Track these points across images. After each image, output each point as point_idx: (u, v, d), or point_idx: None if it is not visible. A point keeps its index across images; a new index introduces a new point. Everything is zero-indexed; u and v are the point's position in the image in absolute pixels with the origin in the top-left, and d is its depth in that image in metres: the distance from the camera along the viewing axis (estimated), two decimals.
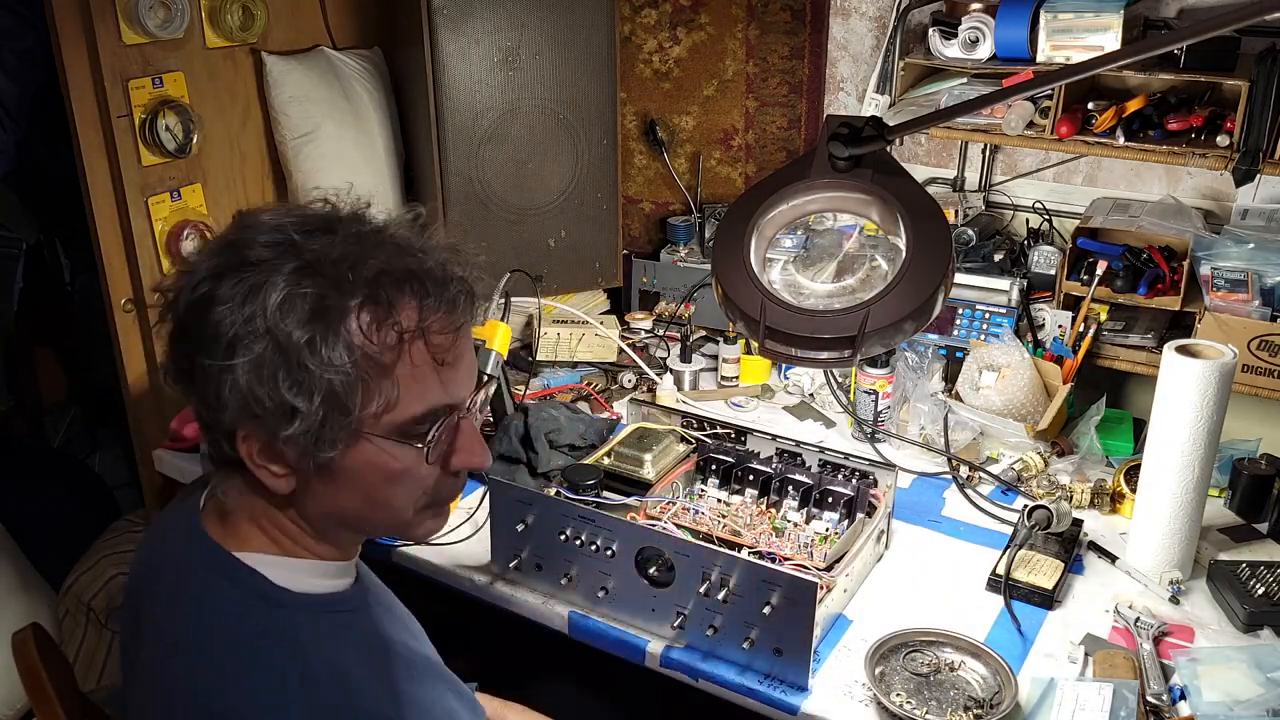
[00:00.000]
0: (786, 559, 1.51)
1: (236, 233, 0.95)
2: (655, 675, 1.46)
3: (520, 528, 1.53)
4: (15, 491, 2.28)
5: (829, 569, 1.49)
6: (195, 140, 1.95)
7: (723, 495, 1.70)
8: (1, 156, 2.07)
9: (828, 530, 1.60)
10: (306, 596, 1.00)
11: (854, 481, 1.64)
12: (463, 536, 1.69)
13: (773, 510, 1.66)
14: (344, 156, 2.15)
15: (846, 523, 1.61)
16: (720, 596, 1.37)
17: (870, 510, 1.62)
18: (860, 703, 1.36)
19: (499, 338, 1.82)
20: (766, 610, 1.34)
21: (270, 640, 0.96)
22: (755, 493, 1.69)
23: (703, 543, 1.43)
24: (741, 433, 1.77)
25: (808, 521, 1.63)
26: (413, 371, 0.94)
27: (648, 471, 1.70)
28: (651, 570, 1.44)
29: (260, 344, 0.89)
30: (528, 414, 1.84)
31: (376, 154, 2.22)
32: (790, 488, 1.66)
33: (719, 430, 1.79)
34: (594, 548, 1.47)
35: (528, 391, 2.11)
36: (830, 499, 1.63)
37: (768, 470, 1.69)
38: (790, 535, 1.58)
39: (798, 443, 1.73)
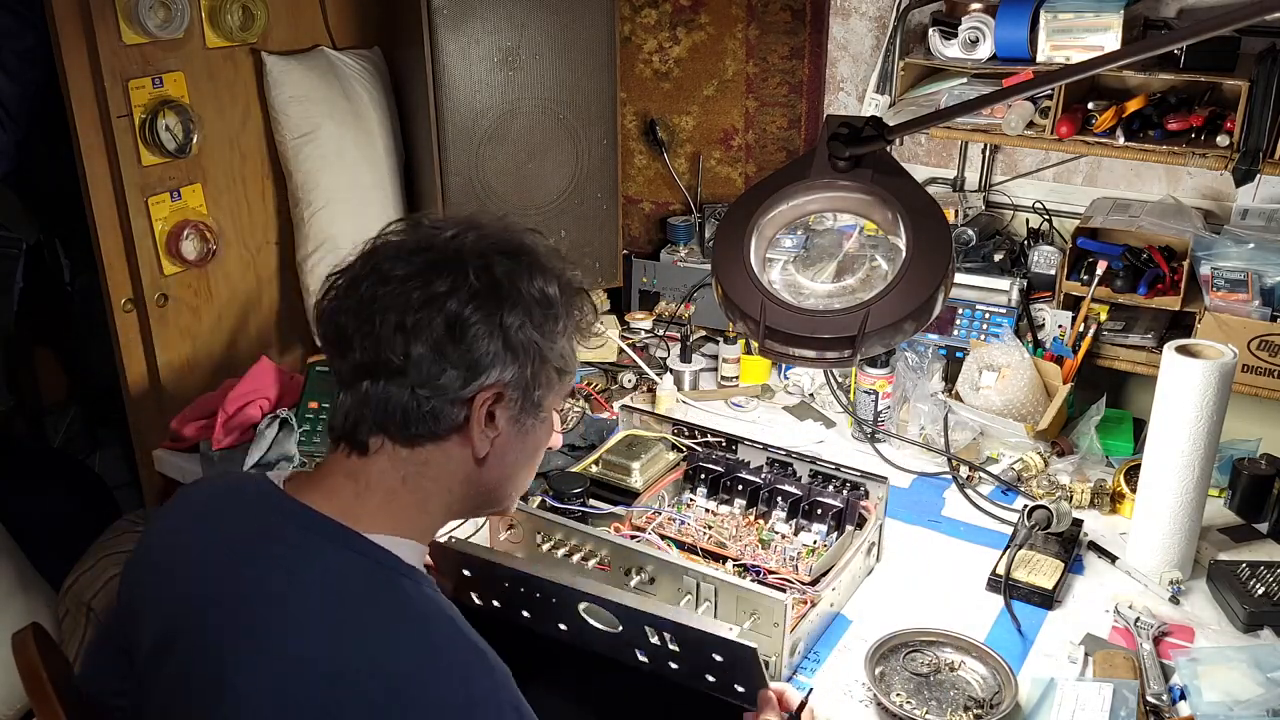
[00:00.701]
0: (771, 572, 1.50)
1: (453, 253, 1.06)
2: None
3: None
4: (15, 491, 2.28)
5: (814, 583, 1.47)
6: (195, 140, 1.95)
7: (711, 505, 1.68)
8: (1, 156, 2.06)
9: (815, 543, 1.58)
10: (424, 575, 1.05)
11: (844, 493, 1.62)
12: (463, 537, 1.69)
13: (761, 521, 1.64)
14: (344, 156, 2.15)
15: (835, 535, 1.58)
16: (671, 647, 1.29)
17: (860, 523, 1.60)
18: (860, 703, 1.36)
19: None
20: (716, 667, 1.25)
21: (431, 612, 0.99)
22: (744, 503, 1.67)
23: (684, 557, 1.43)
24: (733, 441, 1.76)
25: (796, 533, 1.61)
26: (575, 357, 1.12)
27: (635, 480, 1.68)
28: (634, 581, 1.42)
29: (541, 315, 1.05)
30: None
31: (376, 154, 2.22)
32: (779, 498, 1.63)
33: (710, 439, 1.77)
34: (579, 558, 1.45)
35: None
36: (820, 510, 1.61)
37: (757, 480, 1.67)
38: (777, 547, 1.57)
39: (789, 452, 1.71)
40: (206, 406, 1.92)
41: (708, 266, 2.35)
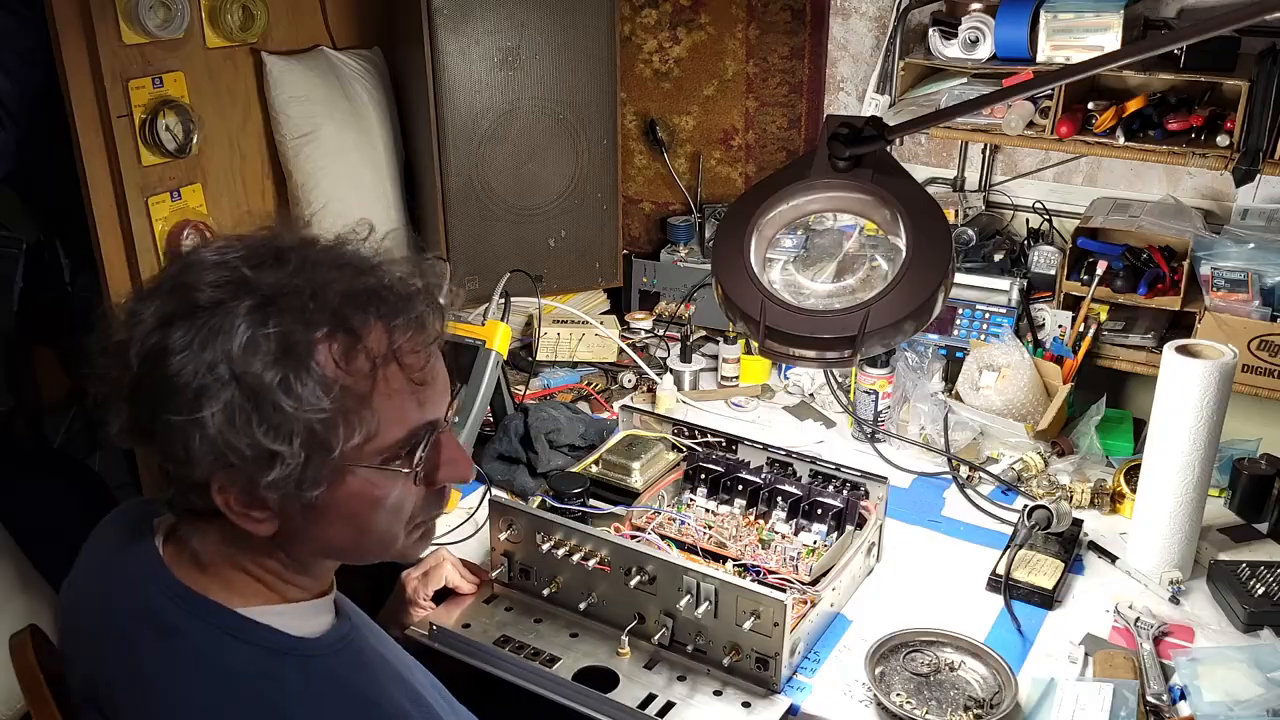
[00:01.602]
0: (771, 572, 1.50)
1: (179, 274, 0.90)
2: None
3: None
4: (15, 491, 2.28)
5: (814, 582, 1.48)
6: (195, 140, 1.95)
7: (711, 505, 1.69)
8: (2, 156, 2.06)
9: (815, 543, 1.58)
10: (313, 640, 0.97)
11: (844, 493, 1.62)
12: (463, 536, 1.69)
13: (761, 521, 1.64)
14: (344, 156, 2.15)
15: (835, 535, 1.58)
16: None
17: (860, 523, 1.60)
18: (860, 703, 1.35)
19: (499, 338, 1.82)
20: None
21: (328, 689, 0.93)
22: (744, 503, 1.67)
23: (684, 557, 1.44)
24: (733, 441, 1.75)
25: (796, 533, 1.61)
26: (390, 397, 0.90)
27: (635, 480, 1.69)
28: (634, 581, 1.42)
29: (228, 391, 0.84)
30: (527, 414, 1.84)
31: (376, 154, 2.22)
32: (779, 498, 1.63)
33: (710, 439, 1.77)
34: (577, 557, 1.45)
35: (527, 391, 2.11)
36: (820, 510, 1.61)
37: (757, 480, 1.67)
38: (777, 547, 1.57)
39: (789, 452, 1.71)
40: None
41: (708, 266, 2.35)
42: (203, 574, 0.95)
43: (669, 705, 1.33)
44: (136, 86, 1.85)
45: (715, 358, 2.22)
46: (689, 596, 1.37)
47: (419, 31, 2.04)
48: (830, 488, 1.64)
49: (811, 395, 2.14)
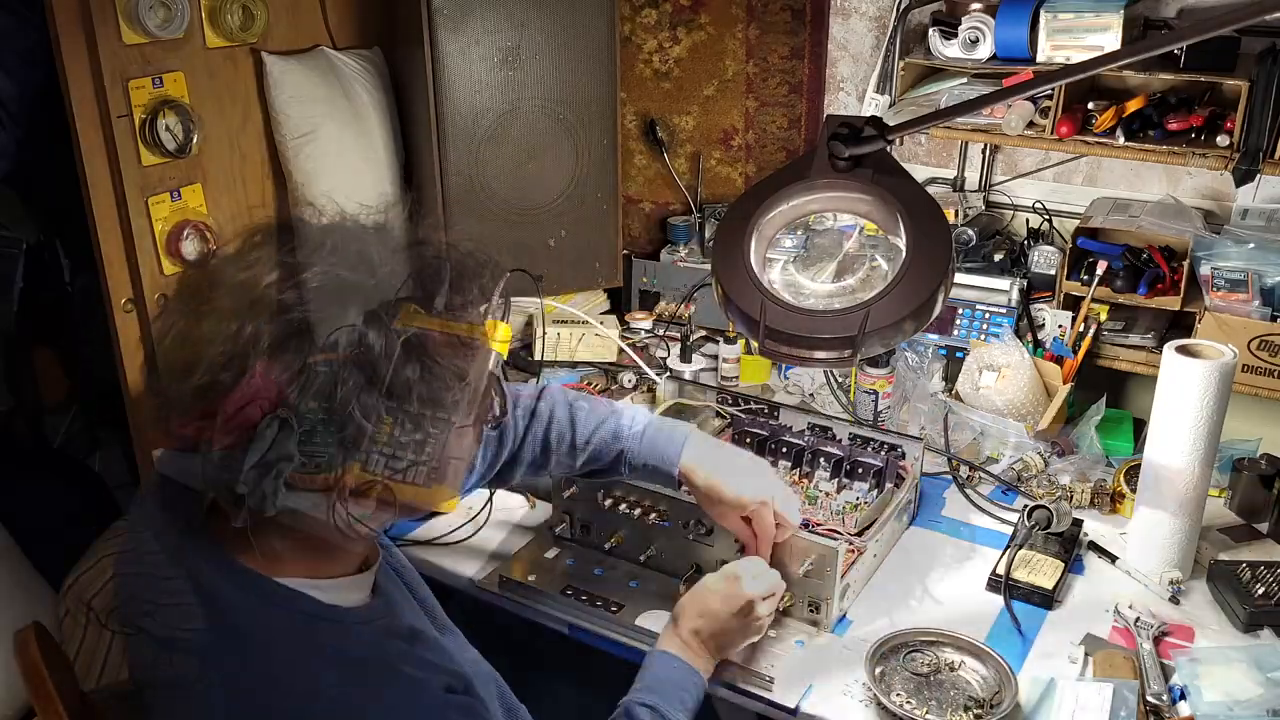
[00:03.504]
0: (819, 524, 1.61)
1: (281, 291, 0.91)
2: None
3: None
4: (15, 491, 2.28)
5: (860, 534, 1.59)
6: (195, 140, 1.95)
7: None
8: (2, 157, 2.06)
9: (858, 499, 1.70)
10: (352, 610, 1.02)
11: (883, 453, 1.72)
12: (464, 537, 1.69)
13: (805, 480, 1.75)
14: (344, 156, 2.15)
15: (876, 492, 1.69)
16: None
17: (899, 481, 1.70)
18: (860, 703, 1.36)
19: (499, 338, 1.82)
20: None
21: (353, 650, 0.97)
22: (789, 464, 1.78)
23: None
24: (774, 407, 1.87)
25: (839, 491, 1.72)
26: (478, 361, 0.98)
27: None
28: (691, 534, 1.52)
29: (369, 396, 0.89)
30: None
31: (376, 154, 2.22)
32: (821, 459, 1.75)
33: (752, 405, 1.88)
34: (638, 512, 1.56)
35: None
36: (860, 470, 1.72)
37: (800, 443, 1.77)
38: (822, 504, 1.68)
39: (828, 416, 1.83)
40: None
41: (708, 266, 2.35)
42: (249, 546, 0.97)
43: None
44: (136, 86, 1.85)
45: (715, 358, 2.22)
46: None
47: (419, 31, 2.04)
48: (869, 449, 1.75)
49: (811, 395, 2.14)
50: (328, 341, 0.89)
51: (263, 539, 0.97)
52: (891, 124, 1.22)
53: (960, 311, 2.08)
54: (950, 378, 2.02)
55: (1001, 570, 1.55)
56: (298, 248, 0.94)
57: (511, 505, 1.79)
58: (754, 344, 1.24)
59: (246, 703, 0.93)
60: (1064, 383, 1.91)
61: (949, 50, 1.97)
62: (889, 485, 1.69)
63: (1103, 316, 1.94)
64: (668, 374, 2.13)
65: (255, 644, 0.94)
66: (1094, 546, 1.65)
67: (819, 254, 1.32)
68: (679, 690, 1.28)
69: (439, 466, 0.97)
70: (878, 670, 1.37)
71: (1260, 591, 1.48)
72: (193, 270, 0.96)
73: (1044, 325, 2.01)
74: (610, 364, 2.25)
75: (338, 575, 1.03)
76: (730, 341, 2.16)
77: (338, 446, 0.90)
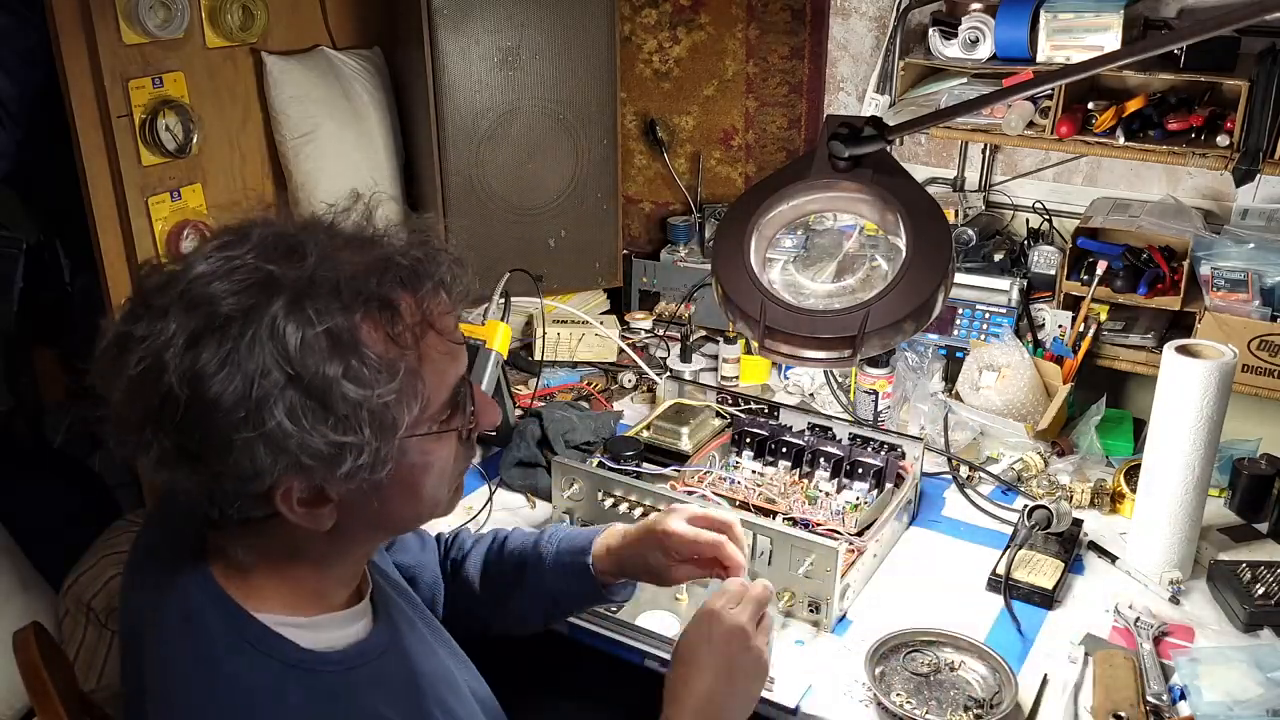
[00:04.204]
0: (819, 524, 1.60)
1: (186, 286, 0.85)
2: (653, 677, 1.45)
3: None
4: (15, 491, 2.28)
5: (860, 534, 1.58)
6: (195, 140, 1.95)
7: (757, 466, 1.78)
8: (2, 157, 2.06)
9: (858, 499, 1.69)
10: (333, 654, 0.95)
11: (883, 453, 1.72)
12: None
13: (805, 480, 1.74)
14: (344, 157, 2.15)
15: (876, 492, 1.69)
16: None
17: (899, 481, 1.70)
18: (860, 703, 1.36)
19: (499, 338, 1.83)
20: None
21: (313, 712, 0.91)
22: (788, 464, 1.77)
23: (738, 511, 1.54)
24: (774, 407, 1.87)
25: (839, 491, 1.71)
26: (433, 362, 0.91)
27: (685, 444, 1.78)
28: None
29: (290, 394, 0.82)
30: (541, 417, 1.85)
31: (376, 154, 2.22)
32: (821, 459, 1.74)
33: (752, 406, 1.88)
34: (638, 513, 1.56)
35: (527, 391, 2.11)
36: (860, 470, 1.72)
37: (799, 443, 1.77)
38: (822, 504, 1.67)
39: (829, 417, 1.83)
40: None
41: (708, 266, 2.35)
42: (235, 579, 0.94)
43: None
44: (136, 86, 1.85)
45: (715, 358, 2.22)
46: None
47: (419, 31, 2.04)
48: (869, 449, 1.74)
49: (811, 395, 2.14)
50: (243, 333, 0.82)
51: (238, 559, 0.93)
52: (891, 124, 1.21)
53: (960, 311, 2.08)
54: (950, 378, 2.02)
55: (1001, 570, 1.55)
56: (230, 244, 0.88)
57: (512, 505, 1.79)
58: (754, 344, 1.24)
59: None
60: (1064, 383, 1.91)
61: (949, 50, 1.97)
62: (889, 485, 1.69)
63: (1103, 316, 1.94)
64: (668, 374, 2.13)
65: (221, 681, 0.89)
66: (1094, 546, 1.65)
67: (819, 254, 1.32)
68: None
69: (404, 476, 0.91)
70: (878, 670, 1.37)
71: (1260, 591, 1.48)
72: (148, 274, 0.90)
73: (1044, 325, 2.01)
74: (610, 364, 2.25)
75: (325, 611, 0.97)
76: (730, 341, 2.16)
77: (264, 447, 0.82)
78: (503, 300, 1.93)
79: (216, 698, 0.89)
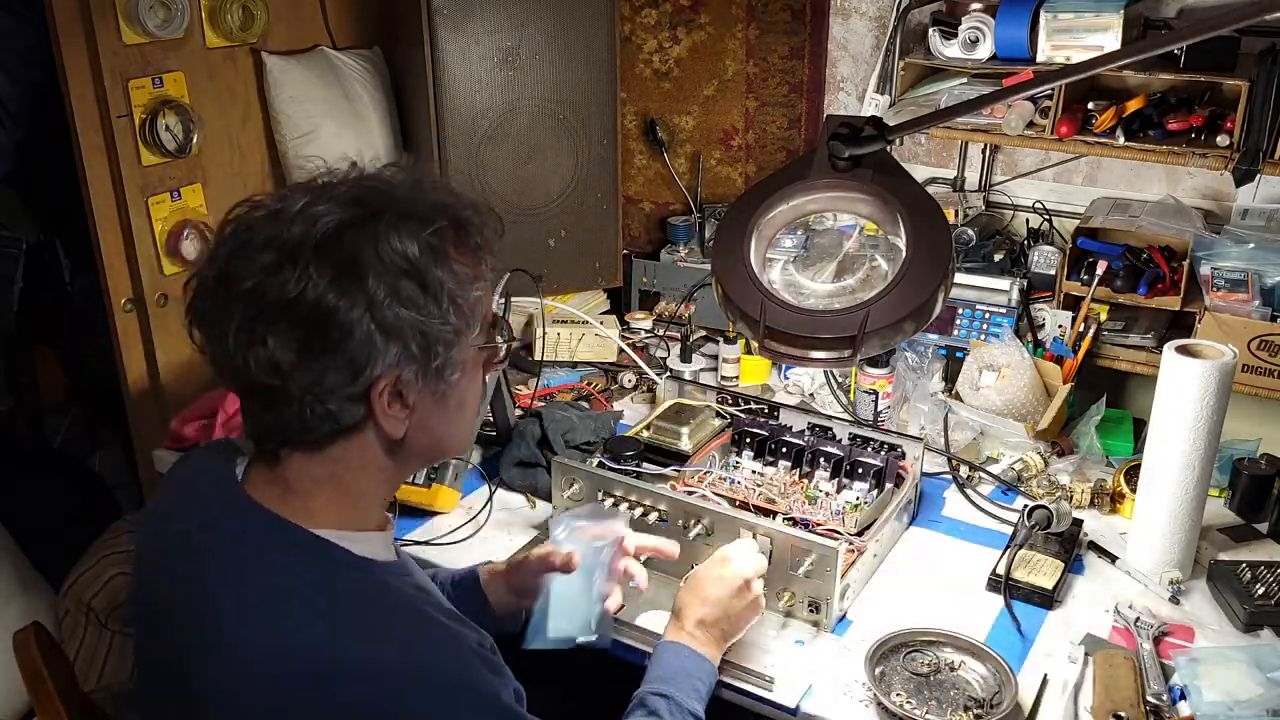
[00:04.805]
0: (819, 524, 1.59)
1: (300, 209, 0.99)
2: None
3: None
4: (15, 491, 2.28)
5: (860, 534, 1.58)
6: (195, 140, 1.95)
7: (757, 466, 1.77)
8: (2, 157, 2.06)
9: (858, 499, 1.68)
10: (380, 561, 1.05)
11: (883, 453, 1.72)
12: (463, 537, 1.69)
13: (805, 480, 1.73)
14: (344, 157, 2.15)
15: (875, 492, 1.68)
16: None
17: (899, 481, 1.69)
18: (860, 703, 1.36)
19: None
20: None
21: (384, 598, 1.00)
22: (788, 464, 1.77)
23: (738, 511, 1.54)
24: (774, 407, 1.86)
25: (838, 491, 1.71)
26: (484, 282, 1.06)
27: (685, 444, 1.78)
28: (692, 533, 1.52)
29: (405, 285, 0.96)
30: (541, 417, 1.85)
31: (376, 154, 2.22)
32: (821, 459, 1.74)
33: (752, 406, 1.88)
34: (638, 512, 1.56)
35: (527, 391, 2.11)
36: (860, 470, 1.71)
37: (799, 443, 1.77)
38: (822, 504, 1.67)
39: (829, 417, 1.82)
40: (207, 406, 1.92)
41: (708, 266, 2.35)
42: (284, 497, 1.03)
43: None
44: (136, 86, 1.85)
45: (715, 358, 2.22)
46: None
47: (419, 31, 2.04)
48: (869, 449, 1.74)
49: (811, 395, 2.14)
50: (361, 238, 0.96)
51: (298, 485, 1.02)
52: (891, 124, 1.22)
53: (960, 311, 2.08)
54: (950, 378, 2.02)
55: (1001, 570, 1.55)
56: (318, 188, 1.03)
57: (512, 505, 1.79)
58: (754, 344, 1.24)
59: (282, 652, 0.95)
60: (1064, 383, 1.91)
61: (949, 50, 1.97)
62: (889, 485, 1.68)
63: (1103, 316, 1.94)
64: (668, 374, 2.13)
65: (294, 594, 0.97)
66: (1094, 546, 1.65)
67: (819, 254, 1.32)
68: (692, 679, 1.28)
69: (459, 392, 1.04)
70: (878, 670, 1.37)
71: (1260, 591, 1.48)
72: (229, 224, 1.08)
73: (1044, 325, 2.01)
74: (610, 364, 2.25)
75: (366, 529, 1.06)
76: (730, 341, 2.16)
77: (381, 335, 0.95)
78: (503, 300, 1.93)
79: (271, 600, 0.96)
